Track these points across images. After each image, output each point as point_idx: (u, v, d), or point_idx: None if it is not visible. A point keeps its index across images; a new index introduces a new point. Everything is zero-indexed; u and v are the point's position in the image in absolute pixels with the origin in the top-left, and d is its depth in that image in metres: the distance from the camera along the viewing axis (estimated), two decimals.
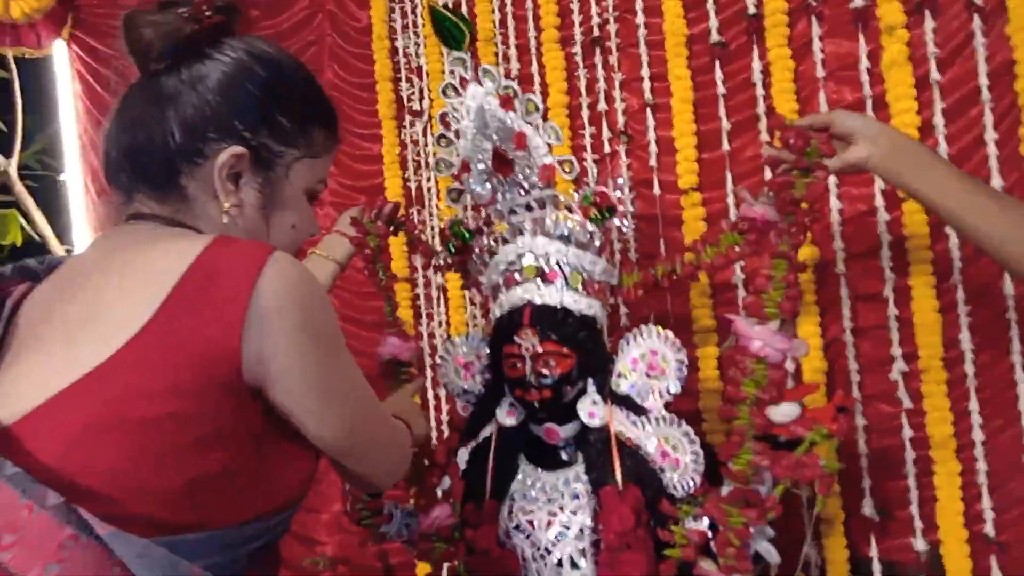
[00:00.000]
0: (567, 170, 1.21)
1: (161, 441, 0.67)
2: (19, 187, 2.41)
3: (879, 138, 1.03)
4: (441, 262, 1.41)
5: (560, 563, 1.20)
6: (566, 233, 1.21)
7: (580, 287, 1.23)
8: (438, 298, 1.91)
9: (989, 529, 1.47)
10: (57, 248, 2.46)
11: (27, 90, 2.54)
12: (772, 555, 1.11)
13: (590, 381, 1.24)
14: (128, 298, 0.69)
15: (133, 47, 0.78)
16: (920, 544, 1.50)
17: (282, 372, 0.71)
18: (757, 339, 1.04)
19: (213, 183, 0.77)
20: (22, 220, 2.43)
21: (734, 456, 1.05)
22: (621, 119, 1.72)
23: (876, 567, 1.52)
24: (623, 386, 1.24)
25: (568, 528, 1.21)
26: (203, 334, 0.67)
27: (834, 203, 1.53)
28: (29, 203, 2.46)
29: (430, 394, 1.90)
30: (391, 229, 1.33)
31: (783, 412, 1.05)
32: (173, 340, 0.67)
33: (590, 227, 1.21)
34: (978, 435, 1.47)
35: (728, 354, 1.10)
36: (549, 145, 1.20)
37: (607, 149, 1.73)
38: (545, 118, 1.73)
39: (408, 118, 1.89)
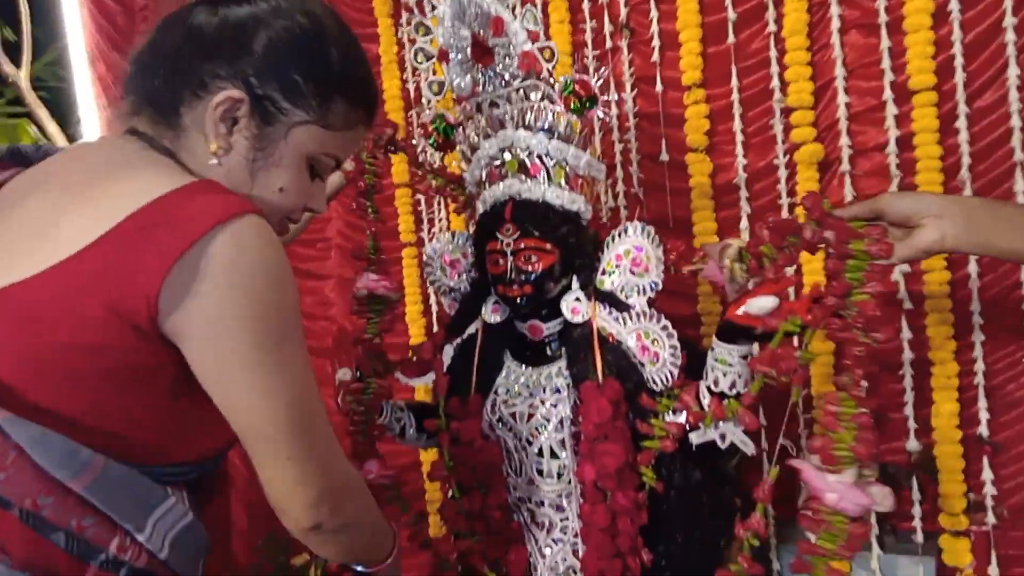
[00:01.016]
0: (547, 57, 1.17)
1: (64, 366, 0.66)
2: (31, 97, 2.43)
3: (946, 213, 0.89)
4: (435, 165, 1.40)
5: (541, 453, 1.23)
6: (547, 126, 1.18)
7: (563, 182, 1.21)
8: (438, 202, 1.90)
9: (983, 429, 1.46)
10: None
11: (34, 1, 2.52)
12: (748, 446, 1.12)
13: (574, 278, 1.24)
14: (78, 218, 0.68)
15: None
16: (913, 444, 1.50)
17: (202, 340, 0.67)
18: (831, 492, 0.91)
19: (206, 118, 0.75)
20: (35, 129, 2.46)
21: None
22: (623, 11, 1.65)
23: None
24: (606, 283, 1.23)
25: (549, 420, 1.22)
26: (126, 273, 0.65)
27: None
28: (42, 113, 2.48)
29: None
30: (389, 150, 1.33)
31: (759, 305, 1.03)
32: (98, 272, 0.65)
33: (572, 118, 1.18)
34: (978, 336, 1.44)
35: (803, 505, 0.95)
36: (529, 31, 1.16)
37: (608, 44, 1.67)
38: (545, 12, 1.69)
39: (404, 15, 1.84)
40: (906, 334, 1.48)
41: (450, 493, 1.30)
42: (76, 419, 0.67)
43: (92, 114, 2.36)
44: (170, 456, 0.72)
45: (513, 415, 1.24)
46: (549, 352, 1.27)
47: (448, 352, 1.35)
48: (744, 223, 1.59)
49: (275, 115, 0.76)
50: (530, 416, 1.24)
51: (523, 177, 1.21)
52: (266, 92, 0.75)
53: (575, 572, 1.24)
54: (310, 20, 0.77)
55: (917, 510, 1.51)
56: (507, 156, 1.21)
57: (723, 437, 1.12)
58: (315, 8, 0.79)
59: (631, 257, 1.22)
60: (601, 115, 1.20)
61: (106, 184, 0.69)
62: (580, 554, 1.22)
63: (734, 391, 1.11)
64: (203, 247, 0.65)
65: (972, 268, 1.41)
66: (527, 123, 1.19)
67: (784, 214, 1.56)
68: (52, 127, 2.50)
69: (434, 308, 1.91)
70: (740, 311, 1.06)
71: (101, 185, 0.69)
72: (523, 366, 1.28)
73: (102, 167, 0.72)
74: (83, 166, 0.74)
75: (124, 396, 0.68)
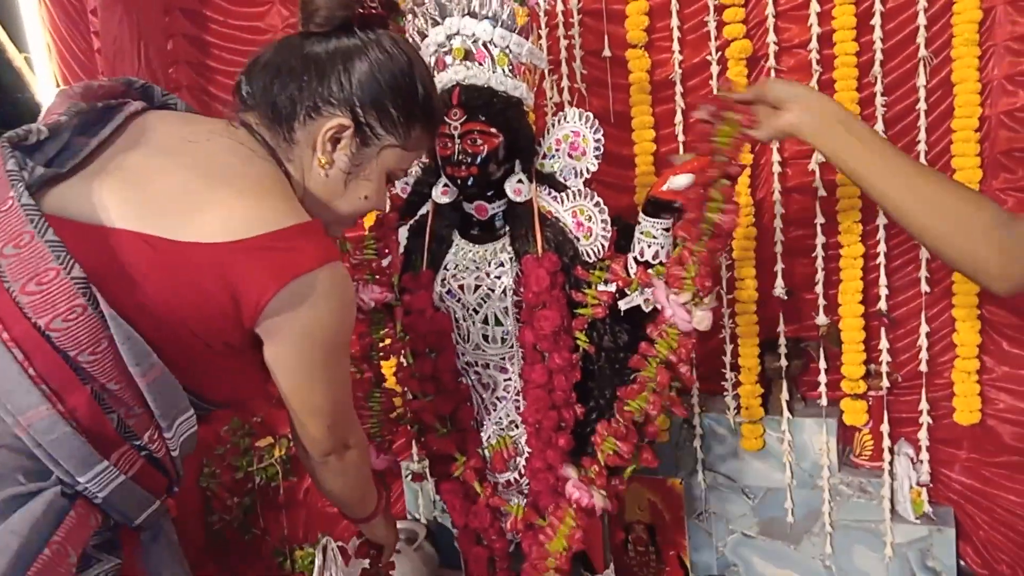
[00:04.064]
0: None
1: (174, 310, 0.81)
2: None
3: (812, 105, 1.00)
4: None
5: (486, 320, 1.35)
6: (492, 14, 1.26)
7: (507, 68, 1.29)
8: None
9: (883, 305, 1.63)
10: (15, 55, 2.45)
11: None
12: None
13: (517, 161, 1.33)
14: (223, 212, 0.82)
15: (304, 6, 0.91)
16: (822, 319, 1.66)
17: (289, 343, 0.86)
18: (669, 308, 1.13)
19: (317, 137, 0.90)
20: None
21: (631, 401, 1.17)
22: None
23: (782, 341, 1.70)
24: (547, 165, 1.33)
25: (493, 291, 1.34)
26: (251, 278, 0.80)
27: None
28: None
29: None
30: None
31: (678, 181, 1.15)
32: (235, 266, 0.80)
33: (515, 6, 1.25)
34: (881, 220, 1.59)
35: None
36: None
37: None
38: None
39: None
40: (819, 219, 1.63)
41: (404, 359, 1.43)
42: (158, 341, 0.81)
43: (33, 11, 2.30)
44: (202, 393, 0.89)
45: (461, 287, 1.36)
46: (494, 230, 1.38)
47: (403, 233, 1.45)
48: (679, 117, 1.70)
49: (371, 139, 0.93)
50: (476, 288, 1.35)
51: (469, 64, 1.28)
52: (367, 120, 0.92)
53: (516, 425, 1.39)
54: (404, 56, 0.93)
55: (823, 378, 1.69)
56: (454, 43, 1.28)
57: (646, 302, 1.26)
58: (404, 47, 0.95)
59: (569, 142, 1.33)
60: (542, 2, 1.27)
61: (244, 192, 0.84)
62: (521, 409, 1.37)
63: (657, 261, 1.24)
64: (309, 279, 0.82)
65: None
66: (472, 11, 1.26)
67: None
68: None
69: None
70: (664, 187, 1.18)
71: (238, 187, 0.85)
72: (470, 243, 1.38)
73: (234, 166, 0.87)
74: (216, 153, 0.88)
75: (197, 345, 0.84)
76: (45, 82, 2.09)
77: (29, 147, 0.84)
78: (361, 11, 0.92)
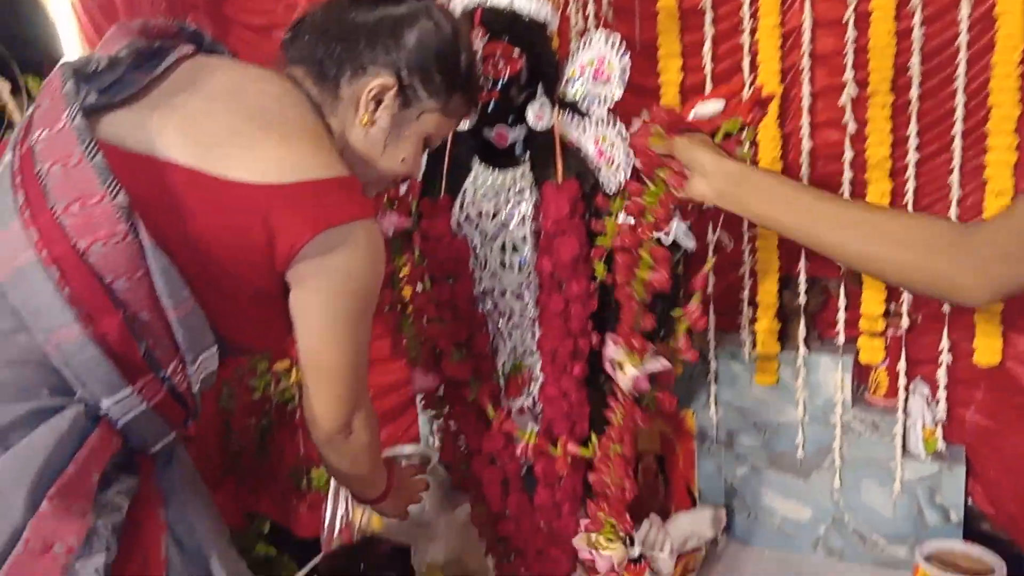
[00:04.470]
0: None
1: (212, 246, 0.84)
2: None
3: (710, 174, 0.99)
4: None
5: (504, 248, 1.35)
6: None
7: None
8: None
9: None
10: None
11: None
12: (689, 239, 1.24)
13: (539, 86, 1.31)
14: (270, 152, 0.85)
15: None
16: None
17: (315, 291, 0.89)
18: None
19: (361, 95, 0.94)
20: None
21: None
22: None
23: (802, 280, 1.69)
24: (570, 91, 1.31)
25: (512, 218, 1.34)
26: (289, 222, 0.83)
27: None
28: None
29: None
30: None
31: (706, 108, 1.12)
32: (274, 209, 0.83)
33: None
34: (912, 157, 1.56)
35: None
36: None
37: None
38: None
39: None
40: (848, 154, 1.59)
41: (421, 285, 1.44)
42: (192, 278, 0.85)
43: None
44: (226, 334, 0.91)
45: (480, 213, 1.36)
46: (514, 157, 1.36)
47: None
48: (707, 47, 1.65)
49: (413, 101, 0.97)
50: (495, 214, 1.35)
51: None
52: (411, 82, 0.95)
53: (532, 352, 1.40)
54: (450, 25, 0.98)
55: (842, 315, 1.68)
56: None
57: (667, 234, 1.25)
58: (451, 16, 1.00)
59: (594, 67, 1.30)
60: None
61: (289, 138, 0.88)
62: (536, 337, 1.38)
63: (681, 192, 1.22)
64: (344, 230, 0.86)
65: (914, 92, 1.51)
66: None
67: (746, 39, 1.62)
68: None
69: None
70: (690, 115, 1.16)
71: (284, 133, 0.88)
72: (490, 169, 1.37)
73: (282, 114, 0.90)
74: (263, 99, 0.91)
75: (229, 287, 0.87)
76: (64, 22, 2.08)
77: (87, 75, 0.85)
78: None
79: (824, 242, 0.91)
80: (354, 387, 0.97)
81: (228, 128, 0.86)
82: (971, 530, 1.65)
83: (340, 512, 1.52)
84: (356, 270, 0.88)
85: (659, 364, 1.15)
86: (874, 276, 0.91)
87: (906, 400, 1.67)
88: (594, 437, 1.29)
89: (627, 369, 1.15)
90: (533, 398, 1.42)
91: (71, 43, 2.25)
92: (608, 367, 1.19)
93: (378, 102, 0.94)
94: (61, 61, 0.87)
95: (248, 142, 0.85)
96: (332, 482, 1.55)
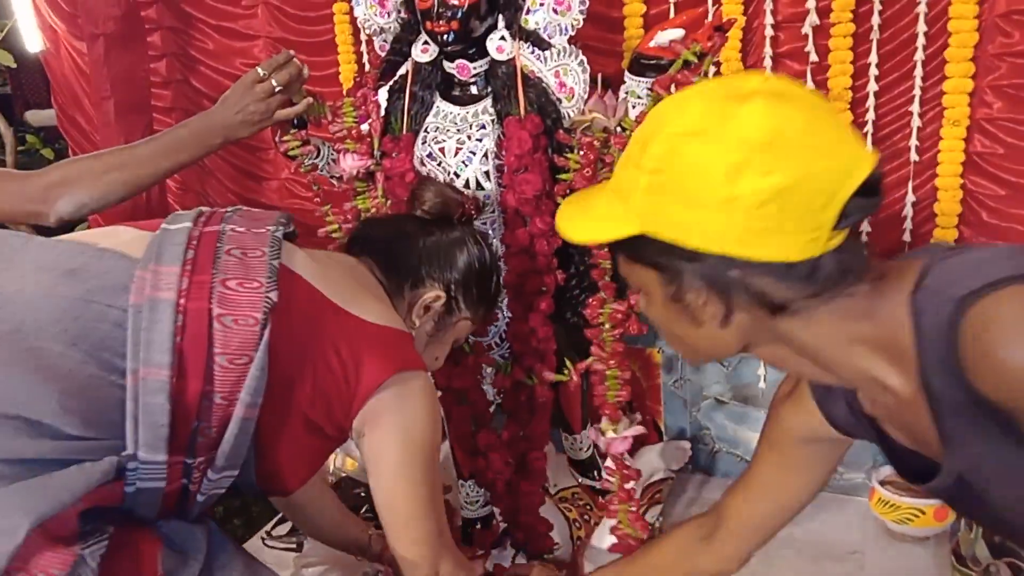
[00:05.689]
0: None
1: (301, 360, 0.91)
2: None
3: None
4: None
5: (468, 184, 1.34)
6: None
7: None
8: None
9: None
10: None
11: None
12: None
13: (499, 17, 1.28)
14: (368, 304, 0.98)
15: (415, 196, 1.17)
16: None
17: (388, 438, 0.97)
18: None
19: (416, 302, 1.08)
20: None
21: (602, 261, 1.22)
22: None
23: None
24: (530, 21, 1.28)
25: (474, 153, 1.32)
26: (372, 359, 0.93)
27: None
28: None
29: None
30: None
31: (666, 35, 1.11)
32: (360, 342, 0.93)
33: None
34: (872, 87, 1.56)
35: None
36: None
37: None
38: None
39: None
40: (809, 86, 1.59)
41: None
42: (270, 392, 0.89)
43: None
44: (261, 451, 0.94)
45: (442, 150, 1.34)
46: (475, 91, 1.34)
47: (382, 95, 1.41)
48: None
49: (455, 312, 1.12)
50: (458, 150, 1.33)
51: None
52: (456, 296, 1.11)
53: None
54: (488, 254, 1.16)
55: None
56: None
57: None
58: (487, 240, 1.22)
59: None
60: None
61: (379, 298, 1.04)
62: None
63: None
64: (413, 375, 0.97)
65: (875, 20, 1.51)
66: None
67: None
68: None
69: (367, 66, 1.93)
70: (650, 44, 1.14)
71: (374, 293, 1.04)
72: (451, 104, 1.35)
73: (369, 279, 1.06)
74: (353, 269, 1.06)
75: (297, 414, 0.93)
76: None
77: None
78: (461, 209, 1.16)
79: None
80: (431, 530, 1.02)
81: (340, 275, 0.99)
82: None
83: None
84: (423, 414, 0.98)
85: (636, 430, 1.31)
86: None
87: None
88: (568, 363, 1.30)
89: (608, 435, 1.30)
90: (500, 335, 1.42)
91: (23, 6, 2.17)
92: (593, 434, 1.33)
93: (427, 309, 1.09)
94: None
95: (352, 287, 0.99)
96: None
